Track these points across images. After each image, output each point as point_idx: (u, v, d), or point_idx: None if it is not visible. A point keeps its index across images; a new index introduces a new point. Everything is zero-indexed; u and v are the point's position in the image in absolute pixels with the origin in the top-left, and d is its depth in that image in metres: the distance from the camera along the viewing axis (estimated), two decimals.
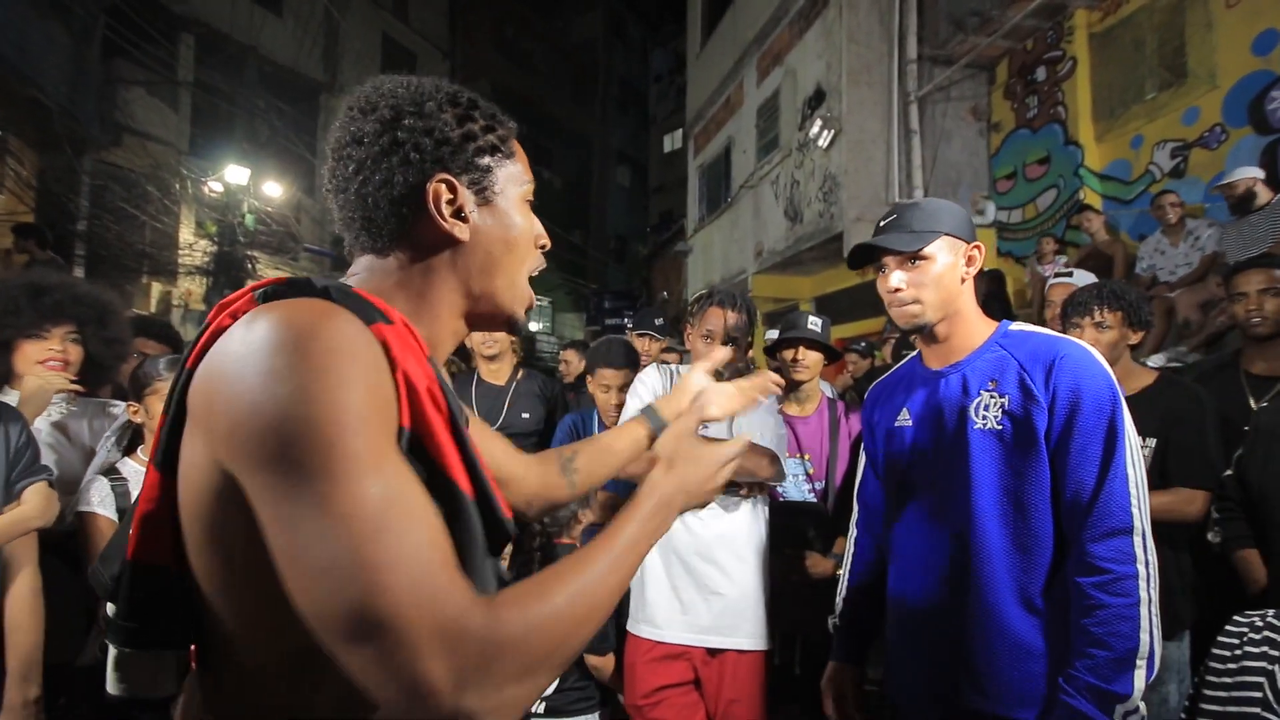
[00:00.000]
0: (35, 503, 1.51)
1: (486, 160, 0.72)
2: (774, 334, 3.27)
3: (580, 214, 19.43)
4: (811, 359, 2.32)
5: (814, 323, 2.34)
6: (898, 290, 1.27)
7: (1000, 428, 1.20)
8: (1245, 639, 1.45)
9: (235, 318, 0.60)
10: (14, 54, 6.95)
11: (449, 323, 0.74)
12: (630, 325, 3.65)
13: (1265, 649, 1.42)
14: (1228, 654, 1.45)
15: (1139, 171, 5.43)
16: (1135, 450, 1.14)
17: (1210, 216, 4.53)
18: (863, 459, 1.57)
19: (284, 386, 0.51)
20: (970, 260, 1.28)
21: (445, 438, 0.60)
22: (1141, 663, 1.07)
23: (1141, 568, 1.09)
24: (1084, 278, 2.84)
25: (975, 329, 1.29)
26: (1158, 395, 1.97)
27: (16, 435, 1.53)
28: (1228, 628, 1.48)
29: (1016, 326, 1.29)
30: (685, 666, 1.85)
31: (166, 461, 0.62)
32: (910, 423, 1.35)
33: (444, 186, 0.69)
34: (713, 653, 1.84)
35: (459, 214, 0.70)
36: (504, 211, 0.74)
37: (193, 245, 10.56)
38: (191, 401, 0.59)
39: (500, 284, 0.74)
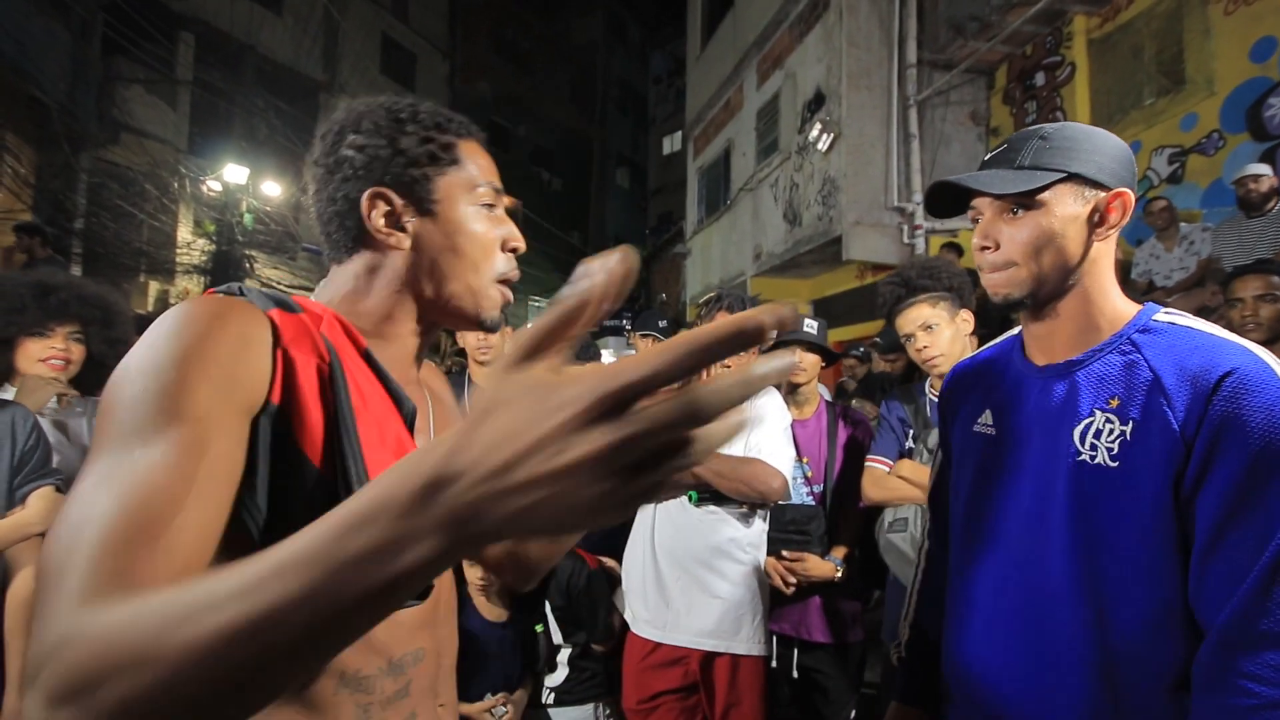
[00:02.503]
0: (38, 508, 1.49)
1: (423, 171, 0.73)
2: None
3: (579, 215, 19.45)
4: (809, 361, 2.32)
5: (811, 325, 2.34)
6: (986, 249, 0.94)
7: (1114, 465, 0.85)
8: None
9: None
10: (13, 51, 6.95)
11: (404, 324, 0.77)
12: (630, 327, 3.66)
13: None
14: None
15: (1137, 177, 5.45)
16: None
17: (1207, 222, 4.55)
18: (939, 456, 1.22)
19: (138, 362, 0.55)
20: (1109, 213, 0.90)
21: (315, 418, 0.62)
22: None
23: None
24: None
25: (1103, 314, 0.92)
26: None
27: (25, 437, 1.52)
28: None
29: (1167, 316, 0.91)
30: (683, 671, 1.85)
31: None
32: (992, 429, 1.02)
33: (380, 200, 0.72)
34: (712, 657, 1.84)
35: (398, 224, 0.73)
36: (449, 219, 0.74)
37: (191, 244, 10.54)
38: None
39: (456, 289, 0.75)
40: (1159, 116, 5.28)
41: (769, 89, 8.60)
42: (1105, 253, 0.93)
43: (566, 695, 2.00)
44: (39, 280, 1.81)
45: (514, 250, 0.79)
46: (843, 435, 2.35)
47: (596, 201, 20.25)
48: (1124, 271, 4.81)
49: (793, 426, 2.33)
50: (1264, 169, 4.00)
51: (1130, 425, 0.85)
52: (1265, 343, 2.11)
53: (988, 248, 0.94)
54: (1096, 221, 0.91)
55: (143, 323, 2.64)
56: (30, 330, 1.75)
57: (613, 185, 20.89)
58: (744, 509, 1.89)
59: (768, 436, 1.90)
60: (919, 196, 6.61)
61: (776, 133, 8.42)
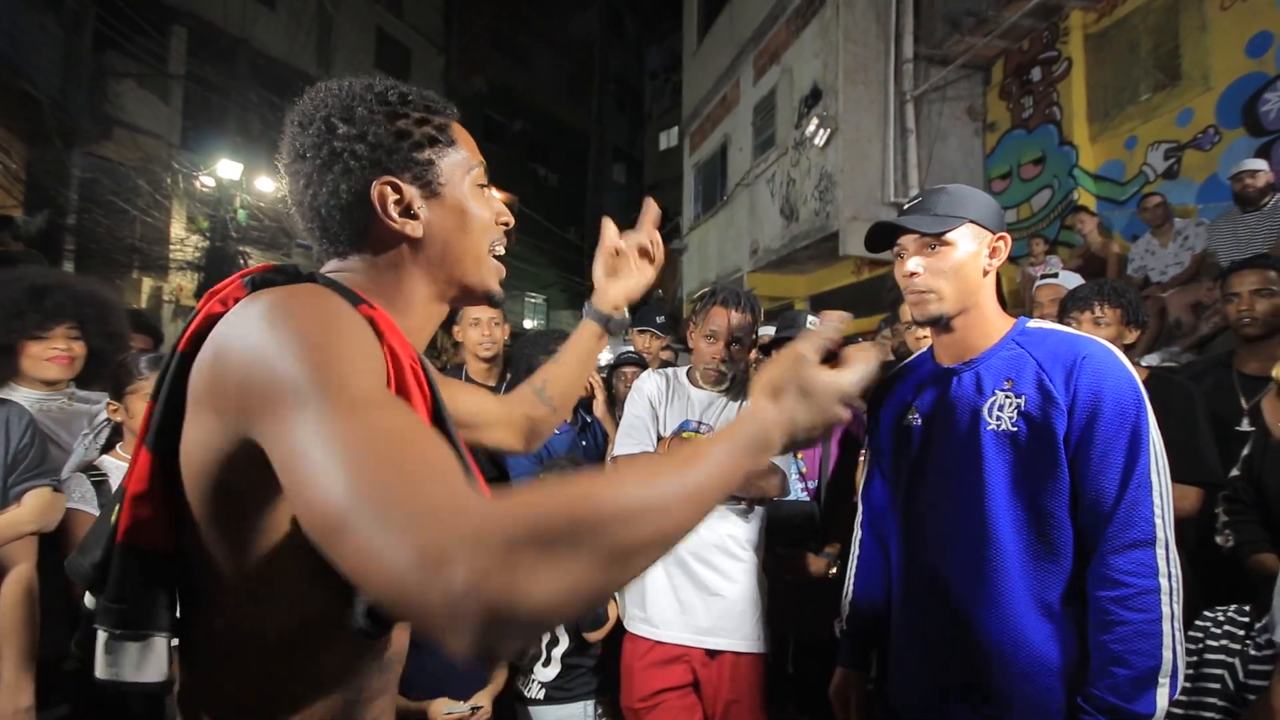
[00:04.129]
0: (32, 506, 1.48)
1: (426, 154, 0.73)
2: (767, 330, 3.27)
3: (576, 211, 19.38)
4: None
5: (812, 322, 2.34)
6: (914, 275, 1.20)
7: (1015, 429, 1.13)
8: (1208, 633, 1.50)
9: (225, 304, 0.63)
10: (5, 45, 6.88)
11: (424, 309, 0.77)
12: (629, 322, 3.63)
13: (1225, 643, 1.47)
14: (1192, 648, 1.49)
15: (1133, 172, 5.45)
16: (1160, 458, 1.09)
17: (1202, 218, 4.56)
18: (864, 456, 1.52)
19: (292, 342, 0.54)
20: (994, 252, 1.21)
21: (424, 413, 0.64)
22: (1164, 680, 1.02)
23: (1164, 581, 1.04)
24: (1070, 279, 2.86)
25: (993, 325, 1.22)
26: (1149, 391, 1.98)
27: (19, 436, 1.50)
28: (1195, 623, 1.51)
29: (1035, 324, 1.23)
30: (684, 669, 1.85)
31: (160, 444, 0.64)
32: (919, 421, 1.28)
33: (388, 189, 0.70)
34: (711, 654, 1.83)
35: (408, 212, 0.72)
36: (454, 200, 0.75)
37: (184, 240, 10.49)
38: (193, 383, 0.61)
39: (466, 266, 0.77)
40: (1155, 111, 5.28)
41: (765, 84, 8.58)
42: (992, 280, 1.24)
43: (557, 692, 1.99)
44: (32, 284, 1.81)
45: (505, 224, 0.82)
46: (837, 431, 2.35)
47: (593, 197, 20.19)
48: (1120, 267, 4.82)
49: None
50: (1260, 164, 4.01)
51: (1023, 398, 1.14)
52: (1261, 337, 2.12)
53: (915, 274, 1.20)
54: (988, 255, 1.21)
55: (137, 317, 2.61)
56: (30, 334, 1.77)
57: (609, 180, 20.83)
58: (743, 506, 1.89)
59: None
60: (916, 191, 6.60)
61: (773, 128, 8.40)
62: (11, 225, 5.17)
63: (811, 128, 7.02)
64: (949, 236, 1.17)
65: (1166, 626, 1.03)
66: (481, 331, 2.51)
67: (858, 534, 1.52)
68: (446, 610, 0.39)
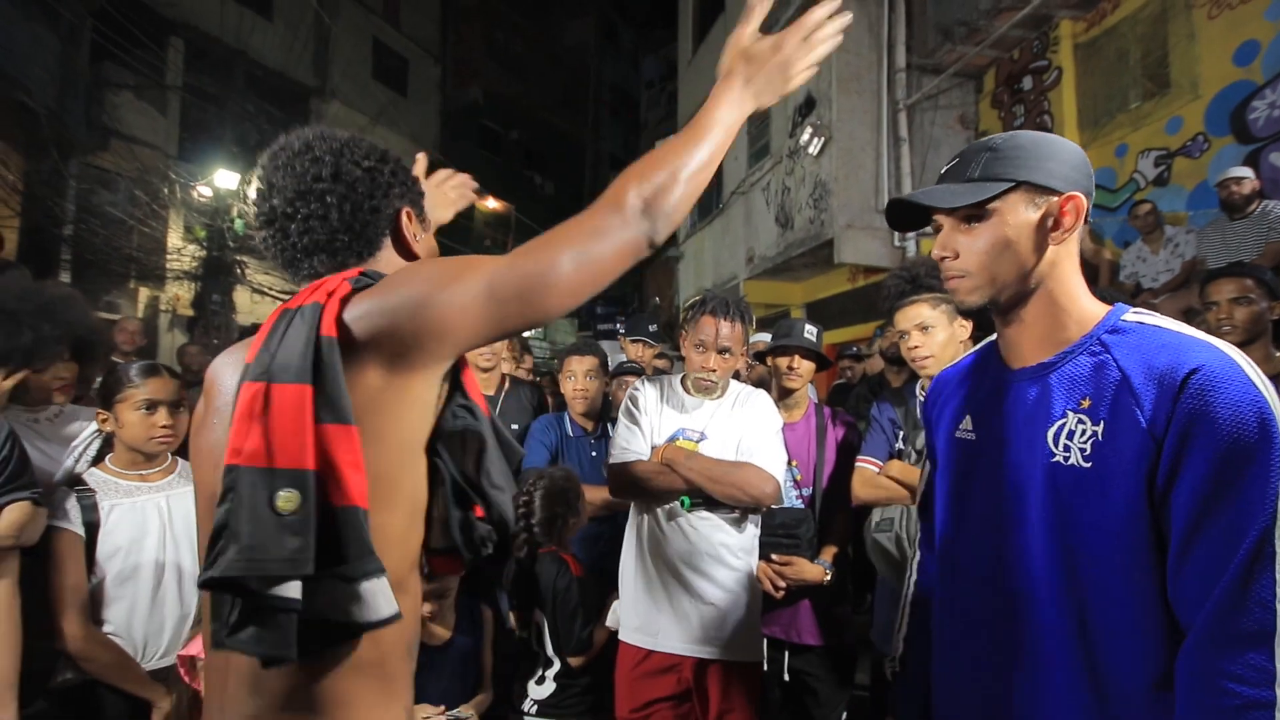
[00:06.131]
0: (10, 519, 1.44)
1: (419, 194, 0.99)
2: (763, 337, 3.29)
3: None
4: (805, 368, 2.33)
5: (810, 332, 2.36)
6: (945, 258, 0.98)
7: (1087, 465, 0.86)
8: None
9: (339, 299, 0.79)
10: (1, 56, 6.90)
11: None
12: (623, 331, 3.66)
13: None
14: None
15: (1123, 180, 5.50)
16: None
17: (1193, 225, 4.59)
18: (926, 466, 1.23)
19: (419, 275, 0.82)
20: (1062, 217, 0.91)
21: (474, 387, 0.89)
22: None
23: None
24: None
25: (1071, 315, 0.94)
26: None
27: None
28: None
29: (1135, 316, 0.92)
30: (677, 679, 1.84)
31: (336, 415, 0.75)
32: (972, 434, 1.03)
33: (408, 216, 0.94)
34: (704, 664, 1.82)
35: (416, 237, 0.95)
36: (428, 231, 1.00)
37: (181, 250, 10.47)
38: (359, 333, 0.77)
39: None
40: (1145, 120, 5.33)
41: None
42: (1066, 255, 0.94)
43: (551, 709, 1.97)
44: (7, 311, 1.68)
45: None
46: (832, 437, 2.36)
47: (589, 205, 20.22)
48: (1112, 274, 4.85)
49: (783, 430, 2.34)
50: (1246, 171, 4.05)
51: (1101, 425, 0.86)
52: (1240, 345, 2.14)
53: (946, 257, 0.98)
54: (1050, 226, 0.92)
55: (78, 342, 2.28)
56: (24, 367, 1.71)
57: (605, 189, 20.89)
58: (736, 514, 1.89)
59: (760, 440, 1.89)
60: None
61: (767, 137, 8.45)
62: None
63: (806, 136, 7.07)
64: (992, 205, 0.92)
65: None
66: None
67: (915, 556, 1.26)
68: (638, 212, 0.83)
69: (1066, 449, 0.88)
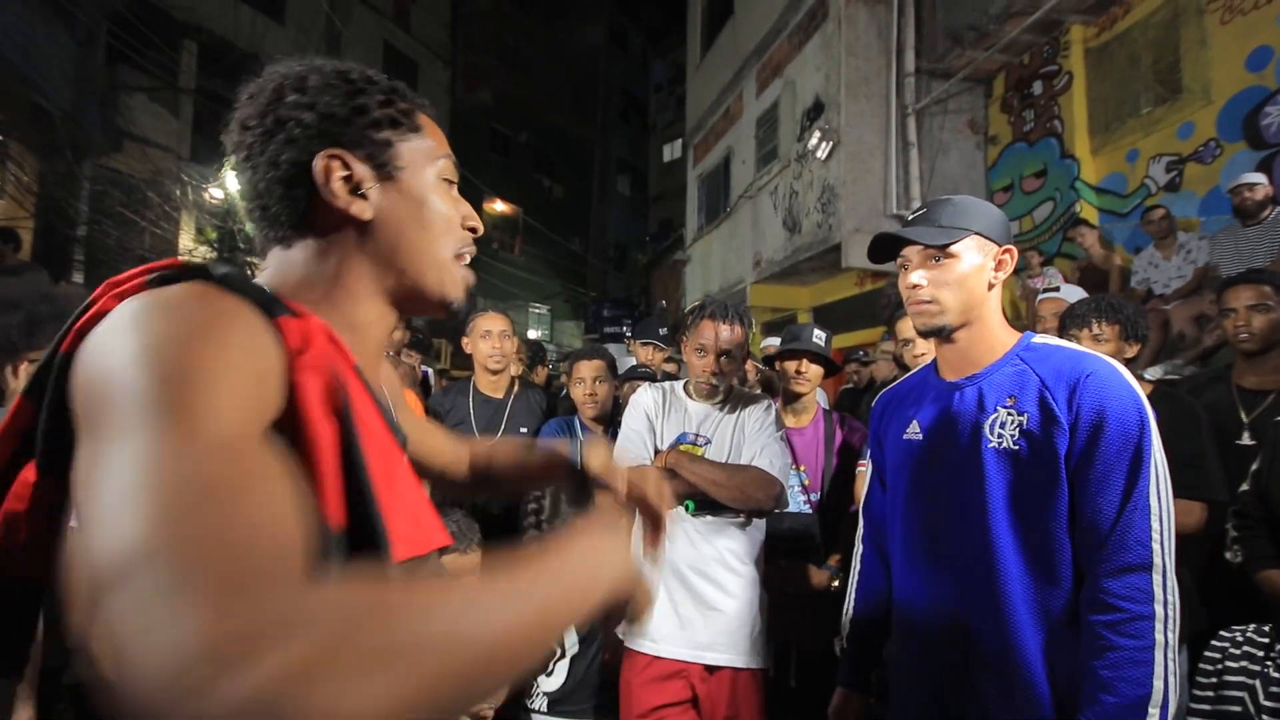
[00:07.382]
0: None
1: (385, 134, 0.65)
2: (772, 341, 3.29)
3: (580, 222, 19.48)
4: (813, 372, 2.33)
5: (819, 336, 2.36)
6: (917, 287, 1.19)
7: (1016, 448, 1.12)
8: (1226, 654, 1.48)
9: (121, 299, 0.53)
10: (18, 58, 6.99)
11: (371, 307, 0.67)
12: (630, 334, 3.66)
13: (1244, 664, 1.45)
14: (1210, 669, 1.47)
15: (1134, 185, 5.46)
16: (1162, 480, 1.06)
17: (1205, 230, 4.56)
18: (868, 470, 1.49)
19: (145, 351, 0.44)
20: (1000, 265, 1.19)
21: (327, 444, 0.51)
22: (1155, 710, 0.99)
23: (1160, 608, 1.01)
24: (1071, 292, 2.86)
25: (996, 339, 1.21)
26: (1153, 406, 1.98)
27: None
28: (1212, 643, 1.50)
29: (1040, 339, 1.20)
30: (683, 685, 1.83)
31: (50, 463, 0.53)
32: (920, 436, 1.27)
33: (336, 163, 0.62)
34: (711, 670, 1.82)
35: (356, 191, 0.64)
36: (414, 188, 0.67)
37: (193, 251, 10.56)
38: (73, 389, 0.49)
39: (422, 264, 0.68)
40: (1156, 125, 5.30)
41: (768, 97, 8.63)
42: (997, 294, 1.22)
43: (561, 705, 1.99)
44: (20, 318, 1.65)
45: (472, 230, 0.73)
46: (839, 442, 2.35)
47: (598, 208, 20.28)
48: (1123, 280, 4.82)
49: (789, 434, 2.34)
50: (1259, 177, 4.02)
51: (1026, 416, 1.13)
52: (1258, 352, 2.12)
53: (918, 286, 1.19)
54: (994, 268, 1.19)
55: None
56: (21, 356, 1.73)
57: (614, 192, 20.93)
58: (741, 518, 1.89)
59: (764, 444, 1.89)
60: (918, 204, 6.63)
61: (776, 140, 8.45)
62: (12, 237, 5.20)
63: (814, 140, 7.06)
64: (954, 248, 1.16)
65: (1159, 655, 1.00)
66: (492, 344, 2.54)
67: (858, 549, 1.49)
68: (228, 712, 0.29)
69: (1000, 436, 1.14)
